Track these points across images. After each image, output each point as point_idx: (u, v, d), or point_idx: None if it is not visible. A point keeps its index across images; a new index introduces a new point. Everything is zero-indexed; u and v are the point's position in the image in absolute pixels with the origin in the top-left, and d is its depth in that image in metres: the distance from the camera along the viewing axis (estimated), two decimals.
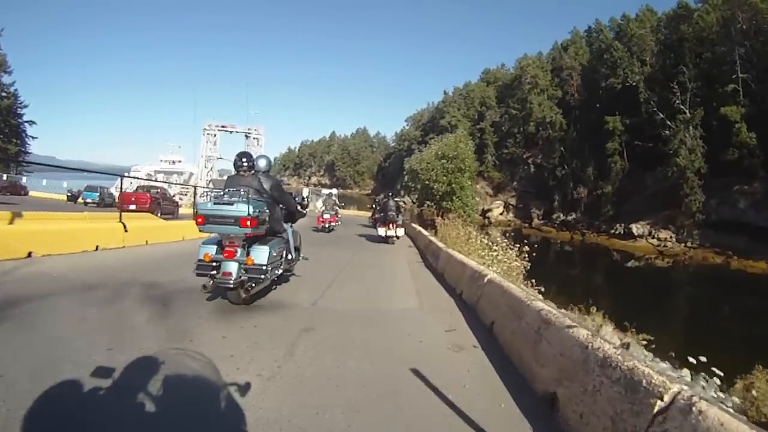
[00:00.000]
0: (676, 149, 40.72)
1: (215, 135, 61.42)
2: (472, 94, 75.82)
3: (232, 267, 4.65)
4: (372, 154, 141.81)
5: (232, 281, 4.61)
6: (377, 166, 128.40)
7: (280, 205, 5.80)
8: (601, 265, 36.76)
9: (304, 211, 6.93)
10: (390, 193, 16.70)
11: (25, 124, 53.57)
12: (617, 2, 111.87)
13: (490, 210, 60.20)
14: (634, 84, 47.94)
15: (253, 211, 4.65)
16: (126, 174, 25.19)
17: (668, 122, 43.15)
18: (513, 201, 61.49)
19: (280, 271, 5.59)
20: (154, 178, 42.92)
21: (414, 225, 18.31)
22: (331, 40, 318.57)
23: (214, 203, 4.84)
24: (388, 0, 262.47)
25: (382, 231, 14.77)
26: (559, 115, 59.05)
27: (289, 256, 6.01)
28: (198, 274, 4.78)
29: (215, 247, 4.85)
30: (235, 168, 5.42)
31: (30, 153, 54.17)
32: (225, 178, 7.28)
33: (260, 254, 4.85)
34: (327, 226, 17.75)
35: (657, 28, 51.95)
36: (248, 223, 4.59)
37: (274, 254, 5.15)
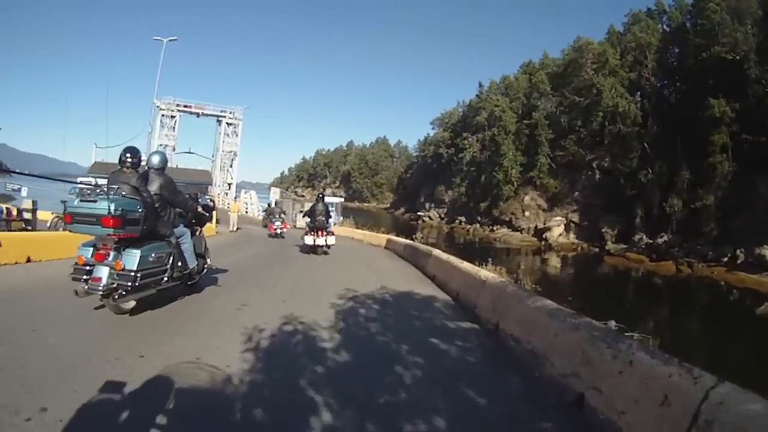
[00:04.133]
0: None
1: (173, 117, 51.05)
2: (515, 84, 65.17)
3: (103, 272, 4.65)
4: (392, 164, 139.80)
5: (101, 287, 4.56)
6: (397, 177, 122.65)
7: (176, 208, 5.87)
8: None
9: (208, 214, 6.92)
10: (321, 195, 15.98)
11: None
12: None
13: (548, 229, 49.44)
14: (737, 57, 37.75)
15: (116, 210, 4.49)
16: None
17: None
18: (575, 217, 49.93)
19: (166, 278, 5.43)
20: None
21: (442, 258, 11.15)
22: (351, 46, 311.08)
23: (80, 200, 4.71)
24: (410, 6, 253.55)
25: (309, 239, 13.76)
26: (633, 105, 48.48)
27: (181, 264, 5.82)
28: (72, 279, 4.73)
29: (91, 249, 4.80)
30: (119, 163, 5.18)
31: None
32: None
33: (130, 259, 4.73)
34: (278, 232, 21.28)
35: None
36: (110, 222, 4.47)
37: (152, 259, 5.05)
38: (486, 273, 7.28)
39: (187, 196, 6.33)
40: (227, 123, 52.73)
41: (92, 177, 29.79)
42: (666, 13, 51.54)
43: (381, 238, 21.72)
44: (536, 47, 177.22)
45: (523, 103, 62.24)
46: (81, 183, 17.40)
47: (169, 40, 31.77)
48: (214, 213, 7.46)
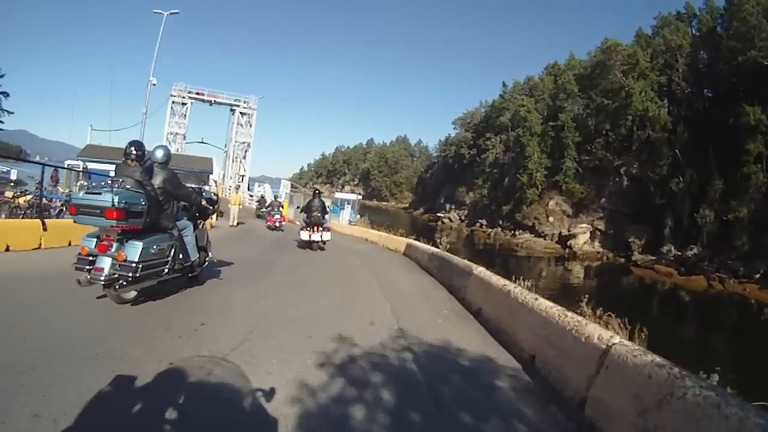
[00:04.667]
0: None
1: (185, 104, 49.94)
2: (540, 85, 64.03)
3: (105, 262, 4.79)
4: (412, 164, 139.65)
5: (103, 277, 4.72)
6: (417, 177, 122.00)
7: (180, 201, 6.01)
8: None
9: (211, 208, 6.98)
10: (317, 191, 16.37)
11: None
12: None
13: (572, 236, 48.20)
14: None
15: (119, 202, 4.64)
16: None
17: None
18: (601, 225, 48.73)
19: (167, 270, 5.56)
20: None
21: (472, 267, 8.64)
22: (373, 44, 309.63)
23: (85, 192, 4.95)
24: (435, 5, 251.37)
25: (305, 235, 14.06)
26: (663, 110, 47.28)
27: (183, 256, 5.96)
28: (76, 268, 4.87)
29: (95, 240, 4.95)
30: (124, 156, 5.34)
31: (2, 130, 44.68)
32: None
33: (132, 250, 4.88)
34: (277, 225, 22.47)
35: None
36: (114, 214, 4.61)
37: (154, 251, 5.20)
38: (605, 333, 3.60)
39: (191, 189, 6.56)
40: (241, 113, 51.37)
41: (81, 160, 29.49)
42: (696, 17, 50.23)
43: (399, 241, 18.24)
44: (559, 49, 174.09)
45: (548, 104, 61.17)
46: (51, 165, 17.00)
47: (170, 14, 30.65)
48: (217, 206, 7.47)
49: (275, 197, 21.63)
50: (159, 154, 5.86)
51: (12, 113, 43.32)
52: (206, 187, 6.83)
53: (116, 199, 4.58)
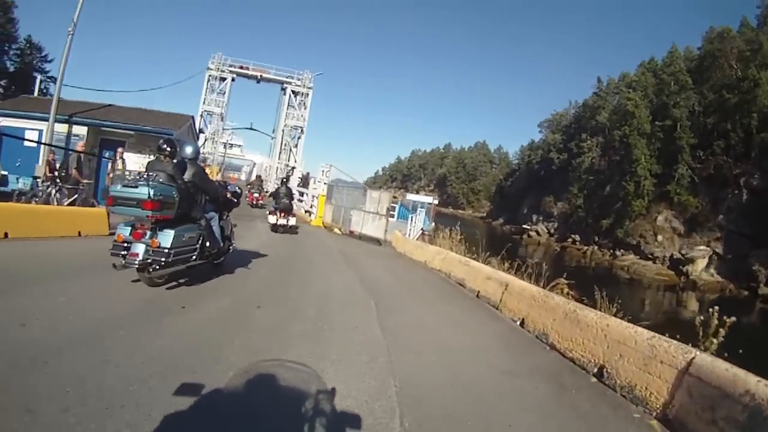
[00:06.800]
0: None
1: (224, 79, 45.09)
2: (642, 79, 57.60)
3: (139, 248, 5.41)
4: (491, 170, 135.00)
5: (137, 261, 5.34)
6: (496, 185, 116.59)
7: (206, 194, 6.68)
8: None
9: (236, 200, 7.78)
10: (284, 178, 19.35)
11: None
12: None
13: (689, 261, 41.48)
14: None
15: (155, 194, 5.29)
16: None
17: None
18: (718, 247, 41.85)
19: (195, 256, 6.22)
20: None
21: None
22: (454, 45, 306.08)
23: (122, 185, 5.48)
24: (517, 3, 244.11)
25: (272, 219, 15.46)
26: None
27: (209, 244, 6.49)
28: (111, 254, 5.51)
29: (130, 228, 5.57)
30: (157, 152, 6.00)
31: None
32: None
33: (165, 237, 5.51)
34: (256, 203, 24.69)
35: None
36: (150, 205, 5.24)
37: (184, 239, 5.88)
38: None
39: (217, 183, 7.57)
40: (293, 91, 45.81)
41: None
42: None
43: (519, 289, 7.58)
44: (649, 46, 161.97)
45: (651, 101, 55.08)
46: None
47: None
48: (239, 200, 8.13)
49: (282, 183, 18.24)
50: (188, 150, 6.58)
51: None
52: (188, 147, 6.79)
53: (152, 192, 5.25)
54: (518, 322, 6.88)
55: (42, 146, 14.40)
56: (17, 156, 15.59)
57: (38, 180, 12.50)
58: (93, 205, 12.27)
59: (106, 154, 17.63)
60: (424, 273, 11.64)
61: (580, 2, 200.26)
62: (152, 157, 6.15)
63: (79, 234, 8.96)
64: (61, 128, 17.47)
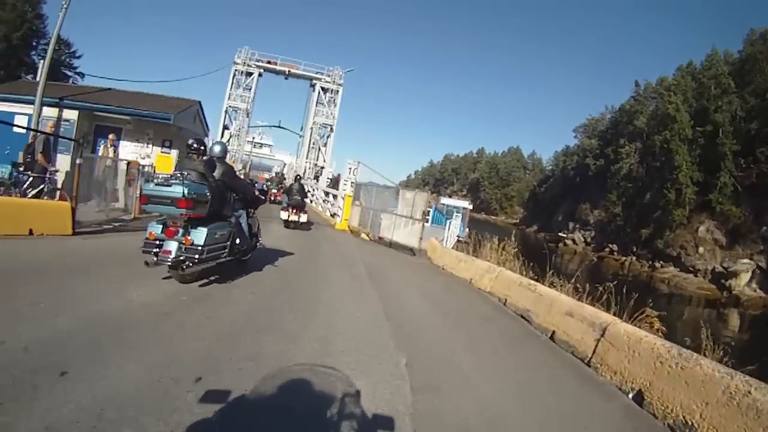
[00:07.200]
0: None
1: (250, 74, 43.59)
2: (682, 83, 55.64)
3: (172, 246, 5.48)
4: (524, 176, 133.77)
5: (170, 259, 5.40)
6: (529, 191, 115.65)
7: (235, 192, 6.86)
8: None
9: (263, 198, 8.29)
10: (298, 176, 19.22)
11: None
12: None
13: (733, 275, 39.71)
14: None
15: (189, 193, 5.38)
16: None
17: None
18: (761, 260, 39.98)
19: (226, 253, 6.33)
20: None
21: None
22: (487, 50, 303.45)
23: (156, 184, 5.48)
24: (552, 7, 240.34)
25: (284, 215, 15.62)
26: None
27: (239, 241, 6.64)
28: (143, 251, 5.57)
29: (161, 226, 5.68)
30: (187, 150, 6.19)
31: None
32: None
33: (198, 235, 5.61)
34: (274, 199, 22.97)
35: None
36: (184, 203, 5.34)
37: (216, 236, 5.97)
38: None
39: (245, 182, 7.79)
40: (323, 88, 44.10)
41: None
42: None
43: (629, 339, 4.91)
44: (687, 51, 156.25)
45: (690, 105, 52.95)
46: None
47: None
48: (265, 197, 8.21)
49: (296, 179, 18.49)
50: (217, 149, 6.92)
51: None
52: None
53: (186, 191, 5.34)
54: (631, 395, 4.45)
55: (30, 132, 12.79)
56: (6, 143, 14.10)
57: (20, 167, 10.67)
58: (65, 199, 9.72)
59: (101, 144, 16.19)
60: (472, 298, 9.06)
61: (615, 7, 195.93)
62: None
63: (31, 233, 7.43)
64: (52, 112, 16.61)
